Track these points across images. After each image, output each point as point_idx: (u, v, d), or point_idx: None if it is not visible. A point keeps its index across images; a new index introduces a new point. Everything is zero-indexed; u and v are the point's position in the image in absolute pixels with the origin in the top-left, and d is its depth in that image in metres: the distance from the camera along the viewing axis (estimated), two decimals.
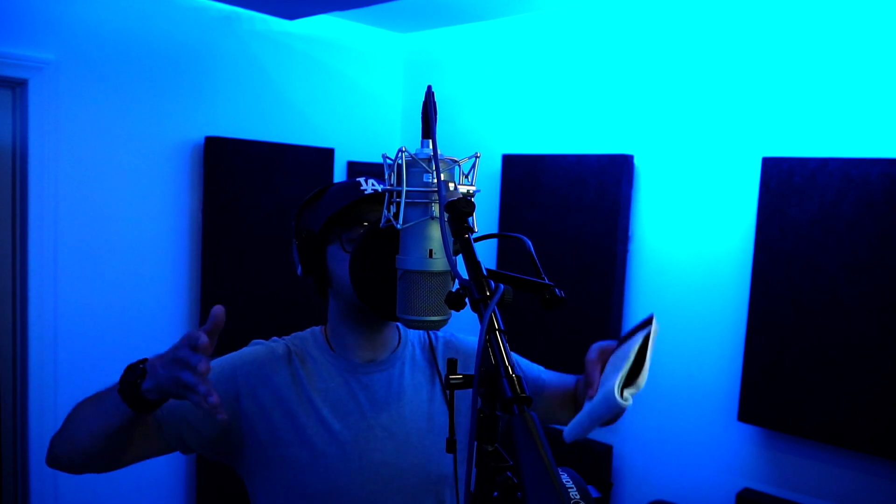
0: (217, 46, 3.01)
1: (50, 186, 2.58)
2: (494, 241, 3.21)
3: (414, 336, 1.34)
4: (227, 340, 3.28)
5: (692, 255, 2.66)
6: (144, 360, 1.04)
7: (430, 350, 1.32)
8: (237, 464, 1.24)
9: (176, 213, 2.95)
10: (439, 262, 0.98)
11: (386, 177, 1.02)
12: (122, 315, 2.82)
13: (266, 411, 1.19)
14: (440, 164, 0.96)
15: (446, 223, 0.88)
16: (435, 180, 0.96)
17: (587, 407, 1.10)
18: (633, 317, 2.84)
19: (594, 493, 0.89)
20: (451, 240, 0.88)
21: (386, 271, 1.08)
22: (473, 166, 1.05)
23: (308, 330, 1.33)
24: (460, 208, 0.88)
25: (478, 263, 0.84)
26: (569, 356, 2.91)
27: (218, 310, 0.97)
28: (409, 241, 0.99)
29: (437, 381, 1.29)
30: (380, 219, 1.19)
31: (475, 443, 0.77)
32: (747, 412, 2.46)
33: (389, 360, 1.26)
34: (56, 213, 2.61)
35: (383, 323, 1.26)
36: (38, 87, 2.52)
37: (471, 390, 1.33)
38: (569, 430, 1.10)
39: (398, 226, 0.97)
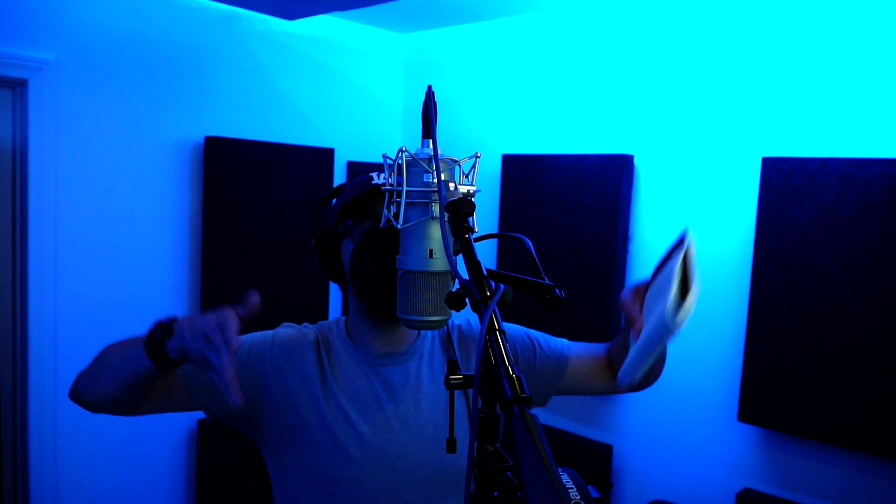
0: (217, 46, 3.01)
1: (50, 186, 2.58)
2: (494, 241, 3.21)
3: (441, 328, 1.35)
4: None
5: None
6: (174, 319, 1.06)
7: (448, 340, 1.32)
8: (259, 439, 1.27)
9: (176, 213, 2.95)
10: (439, 262, 0.98)
11: (386, 177, 1.02)
12: (122, 315, 2.82)
13: (292, 393, 1.21)
14: (440, 164, 0.96)
15: (446, 223, 0.88)
16: (435, 180, 0.96)
17: (637, 343, 1.07)
18: None
19: (594, 494, 0.89)
20: (451, 240, 0.88)
21: (386, 271, 1.08)
22: (474, 166, 1.06)
23: (333, 319, 1.34)
24: (460, 208, 0.88)
25: (478, 263, 0.84)
26: None
27: (255, 298, 1.00)
28: (410, 241, 0.99)
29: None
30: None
31: (475, 443, 0.77)
32: (747, 412, 2.46)
33: (408, 353, 1.27)
34: (56, 213, 2.61)
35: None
36: (38, 87, 2.52)
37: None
38: (623, 372, 1.07)
39: (398, 226, 0.97)
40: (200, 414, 3.00)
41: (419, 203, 0.98)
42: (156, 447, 2.95)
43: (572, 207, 2.90)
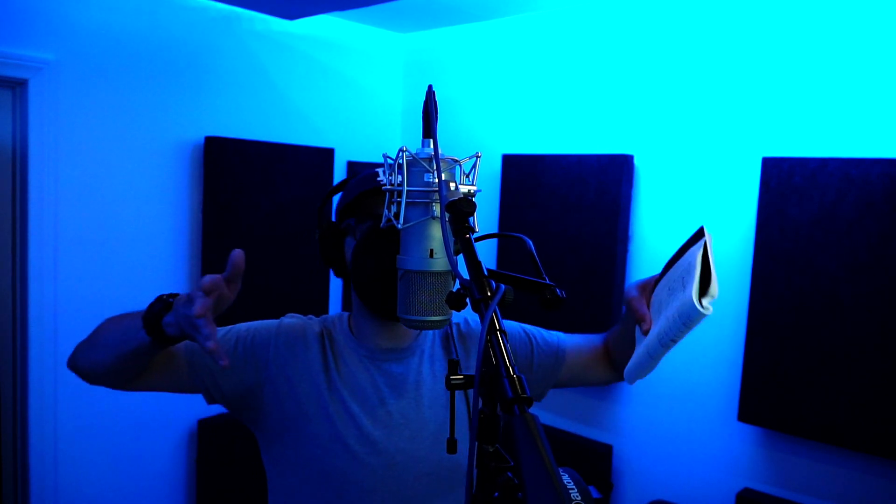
0: (217, 46, 3.01)
1: (50, 186, 2.58)
2: (495, 240, 3.21)
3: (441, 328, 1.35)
4: None
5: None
6: (175, 295, 1.07)
7: (448, 339, 1.32)
8: (256, 427, 1.27)
9: (176, 213, 2.95)
10: (440, 262, 0.98)
11: (386, 176, 1.02)
12: None
13: (293, 383, 1.21)
14: (441, 164, 0.95)
15: (447, 223, 0.88)
16: (436, 180, 0.96)
17: (647, 340, 1.05)
18: None
19: (595, 494, 0.89)
20: (451, 240, 0.88)
21: (386, 271, 1.08)
22: (474, 166, 1.05)
23: (336, 314, 1.35)
24: (461, 208, 0.87)
25: (478, 263, 0.84)
26: None
27: (236, 254, 1.02)
28: (410, 240, 0.99)
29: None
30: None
31: (475, 443, 0.77)
32: (747, 412, 2.46)
33: (410, 349, 1.27)
34: (56, 213, 2.61)
35: None
36: (38, 87, 2.52)
37: None
38: (631, 370, 1.06)
39: (399, 225, 0.97)
40: (201, 414, 3.00)
41: (420, 203, 0.98)
42: (156, 447, 2.95)
43: (572, 207, 2.90)
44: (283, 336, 1.25)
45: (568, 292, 1.09)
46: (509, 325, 1.36)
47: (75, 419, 2.71)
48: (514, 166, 3.10)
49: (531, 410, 0.70)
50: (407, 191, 0.96)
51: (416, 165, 0.97)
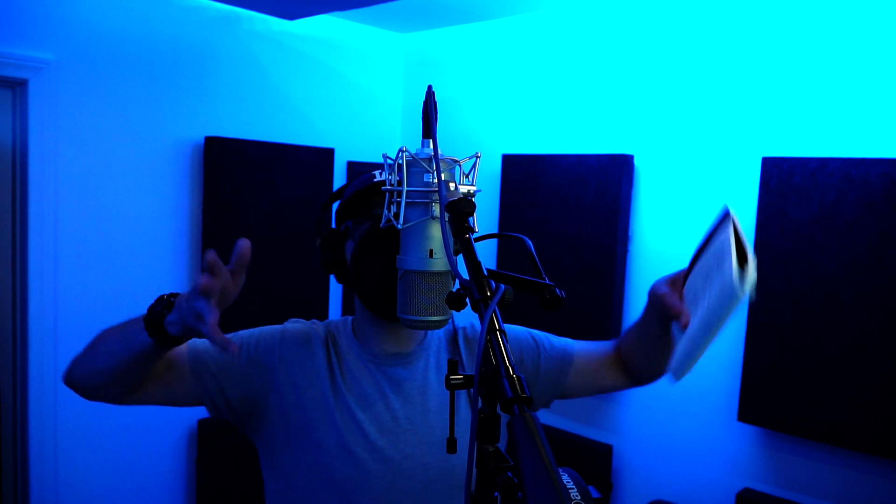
0: (217, 46, 3.01)
1: (50, 186, 2.58)
2: (494, 241, 3.21)
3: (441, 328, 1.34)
4: None
5: (692, 255, 2.66)
6: (176, 294, 1.05)
7: (454, 342, 1.31)
8: (259, 435, 1.24)
9: (176, 213, 2.95)
10: (440, 262, 0.98)
11: (386, 176, 1.02)
12: (123, 315, 2.80)
13: (299, 390, 1.20)
14: (441, 164, 0.96)
15: (447, 223, 0.88)
16: (435, 180, 0.96)
17: (689, 331, 1.02)
18: (633, 317, 2.84)
19: (595, 494, 0.89)
20: (451, 240, 0.88)
21: (386, 271, 1.08)
22: (474, 166, 1.05)
23: (340, 318, 1.33)
24: (461, 208, 0.87)
25: (478, 263, 0.84)
26: None
27: (243, 244, 0.99)
28: (410, 241, 0.99)
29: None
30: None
31: (475, 443, 0.77)
32: (747, 412, 2.46)
33: (415, 353, 1.26)
34: (56, 213, 2.61)
35: None
36: (38, 87, 2.52)
37: None
38: (676, 364, 1.03)
39: (398, 226, 0.97)
40: (200, 414, 3.00)
41: (419, 203, 0.98)
42: (156, 447, 2.95)
43: (572, 207, 2.90)
44: (287, 342, 1.24)
45: (568, 292, 1.09)
46: (517, 329, 1.35)
47: (75, 419, 2.71)
48: (514, 166, 3.10)
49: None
50: (407, 191, 0.96)
51: (416, 165, 0.97)
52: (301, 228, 3.19)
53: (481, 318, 0.76)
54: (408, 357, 1.25)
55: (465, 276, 0.83)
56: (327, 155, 3.29)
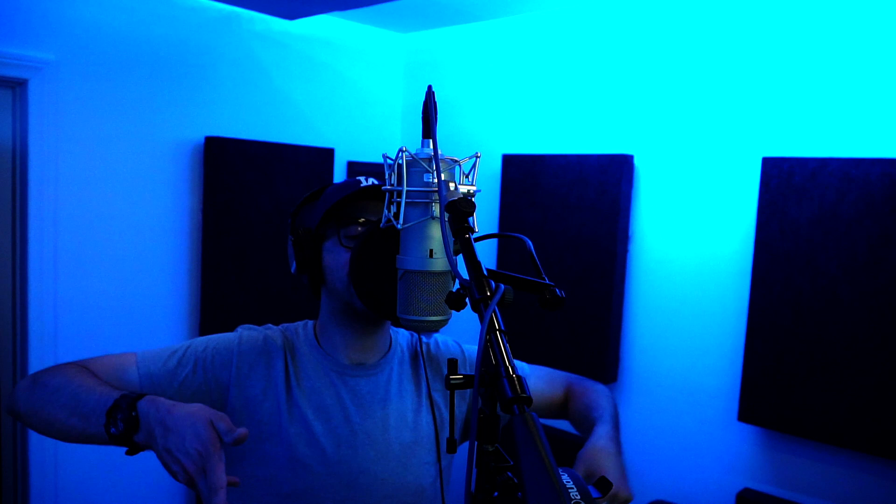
0: (217, 46, 3.01)
1: (50, 186, 2.58)
2: (494, 241, 3.21)
3: (404, 341, 1.33)
4: None
5: (692, 255, 2.66)
6: (134, 405, 0.96)
7: (416, 357, 1.30)
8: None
9: (176, 213, 2.95)
10: (440, 262, 0.98)
11: (386, 176, 1.02)
12: (122, 315, 2.82)
13: (254, 404, 1.18)
14: (441, 164, 0.96)
15: (447, 223, 0.88)
16: (435, 180, 0.96)
17: None
18: (633, 317, 2.85)
19: (594, 494, 0.89)
20: (451, 240, 0.88)
21: (386, 271, 1.08)
22: (474, 166, 1.05)
23: (300, 322, 1.31)
24: (461, 208, 0.87)
25: (478, 263, 0.84)
26: (569, 356, 2.91)
27: (244, 431, 0.92)
28: (410, 241, 0.99)
29: (425, 389, 1.28)
30: (378, 215, 1.18)
31: (475, 443, 0.77)
32: (747, 412, 2.46)
33: (379, 365, 1.25)
34: (56, 213, 2.61)
35: (375, 325, 1.24)
36: (38, 87, 2.52)
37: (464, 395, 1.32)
38: None
39: (398, 226, 0.97)
40: None
41: (419, 203, 0.98)
42: None
43: (572, 207, 2.90)
44: (244, 355, 1.20)
45: (568, 292, 1.09)
46: (470, 350, 1.35)
47: None
48: (514, 166, 3.10)
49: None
50: (406, 191, 0.96)
51: (416, 166, 0.97)
52: None
53: (481, 318, 0.76)
54: (371, 368, 1.24)
55: (465, 276, 0.83)
56: (327, 155, 3.29)
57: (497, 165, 3.21)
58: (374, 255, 1.12)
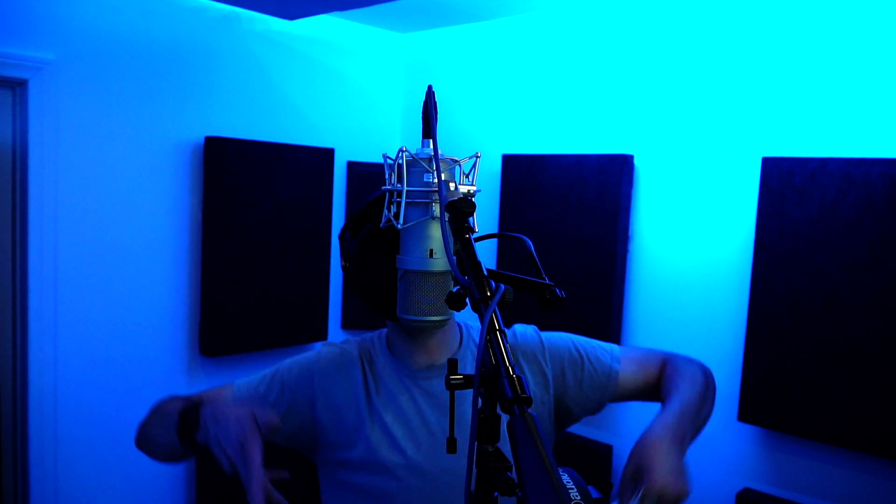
0: (217, 46, 3.01)
1: (50, 186, 2.58)
2: (494, 240, 3.21)
3: (477, 336, 1.32)
4: (227, 340, 3.27)
5: (692, 255, 2.66)
6: (197, 407, 1.08)
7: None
8: (315, 457, 1.29)
9: (176, 213, 2.95)
10: (440, 262, 0.98)
11: (386, 176, 1.02)
12: (122, 315, 2.82)
13: (340, 414, 1.22)
14: (441, 164, 0.95)
15: (447, 223, 0.88)
16: (435, 180, 0.96)
17: None
18: (633, 317, 2.84)
19: (594, 494, 0.89)
20: (451, 239, 0.88)
21: (386, 271, 1.08)
22: (474, 166, 1.05)
23: (376, 333, 1.32)
24: (461, 208, 0.87)
25: (478, 263, 0.84)
26: None
27: (285, 474, 1.02)
28: (410, 240, 0.99)
29: None
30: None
31: (475, 443, 0.77)
32: (747, 412, 2.45)
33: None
34: (56, 213, 2.61)
35: (430, 328, 1.24)
36: (38, 87, 2.52)
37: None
38: None
39: (399, 226, 0.97)
40: None
41: (419, 203, 0.98)
42: None
43: (572, 207, 2.90)
44: (324, 370, 1.25)
45: (568, 292, 1.09)
46: (560, 338, 1.31)
47: (75, 420, 2.71)
48: (514, 166, 3.10)
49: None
50: (406, 191, 0.96)
51: (416, 166, 0.97)
52: (301, 229, 3.19)
53: (481, 318, 0.76)
54: (442, 369, 1.24)
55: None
56: (327, 155, 3.29)
57: (497, 165, 3.21)
58: (373, 255, 1.12)
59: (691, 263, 2.66)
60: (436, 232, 0.98)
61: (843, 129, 2.33)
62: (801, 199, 2.33)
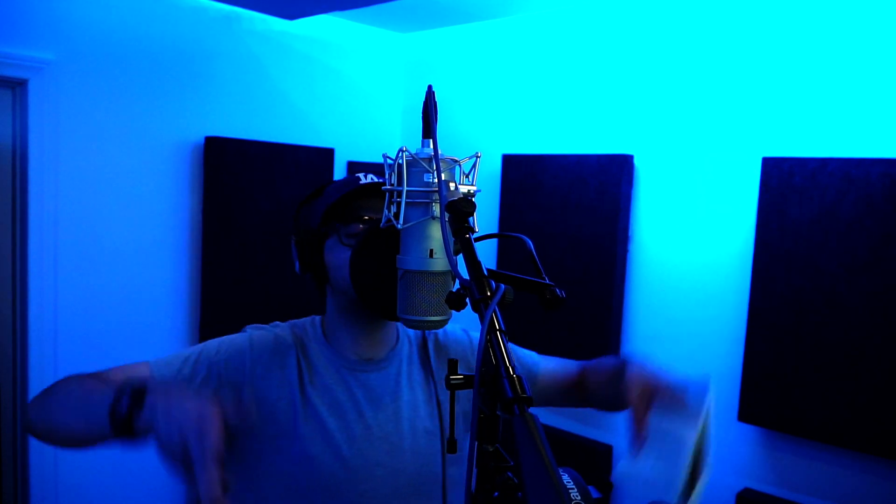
0: (217, 46, 3.01)
1: (50, 186, 2.58)
2: (494, 240, 3.21)
3: (412, 332, 1.34)
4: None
5: (692, 255, 2.66)
6: (144, 389, 0.91)
7: (424, 348, 1.31)
8: (231, 444, 1.21)
9: (176, 213, 2.95)
10: (440, 262, 0.98)
11: (386, 176, 1.01)
12: (122, 315, 2.82)
13: (269, 402, 1.18)
14: (441, 164, 0.95)
15: (447, 223, 0.88)
16: (435, 180, 0.96)
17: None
18: (633, 317, 2.84)
19: (595, 494, 0.89)
20: (451, 240, 0.88)
21: (386, 271, 1.08)
22: (474, 166, 1.05)
23: (308, 319, 1.30)
24: (461, 208, 0.87)
25: (478, 263, 0.84)
26: (568, 356, 2.91)
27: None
28: (410, 240, 0.99)
29: (431, 380, 1.29)
30: (378, 213, 1.19)
31: (475, 443, 0.77)
32: (747, 412, 2.45)
33: (388, 359, 1.26)
34: (56, 213, 2.61)
35: (381, 321, 1.25)
36: (38, 87, 2.52)
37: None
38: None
39: (399, 226, 0.97)
40: None
41: (419, 203, 0.97)
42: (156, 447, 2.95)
43: (572, 207, 2.90)
44: (257, 356, 1.19)
45: (568, 292, 1.09)
46: (476, 336, 1.35)
47: None
48: (514, 166, 3.10)
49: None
50: (406, 191, 0.96)
51: (416, 165, 0.97)
52: None
53: (481, 318, 0.76)
54: (381, 363, 1.24)
55: (466, 275, 0.83)
56: (327, 155, 3.29)
57: (497, 165, 3.21)
58: (373, 254, 1.12)
59: (691, 263, 2.66)
60: (436, 232, 0.98)
61: (843, 129, 2.33)
62: (801, 200, 2.33)
